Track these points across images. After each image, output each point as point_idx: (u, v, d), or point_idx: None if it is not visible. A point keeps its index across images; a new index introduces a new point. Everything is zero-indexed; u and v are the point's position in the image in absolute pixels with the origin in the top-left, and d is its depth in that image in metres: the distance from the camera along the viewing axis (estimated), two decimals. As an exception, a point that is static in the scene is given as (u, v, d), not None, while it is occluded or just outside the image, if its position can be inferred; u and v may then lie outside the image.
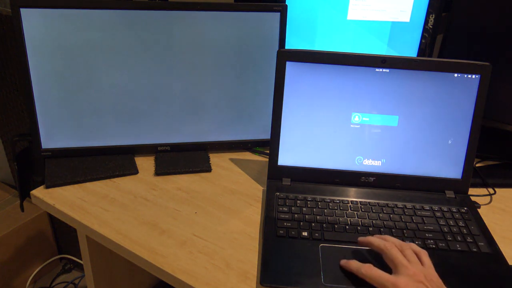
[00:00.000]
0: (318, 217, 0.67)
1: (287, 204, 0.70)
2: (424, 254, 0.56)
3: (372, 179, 0.75)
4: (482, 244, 0.64)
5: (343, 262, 0.58)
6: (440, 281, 0.53)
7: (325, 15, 0.88)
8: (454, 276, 0.58)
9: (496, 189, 0.80)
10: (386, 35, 0.88)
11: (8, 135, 1.41)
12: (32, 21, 0.72)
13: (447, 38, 0.86)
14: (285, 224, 0.66)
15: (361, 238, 0.60)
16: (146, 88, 0.80)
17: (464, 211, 0.70)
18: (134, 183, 0.77)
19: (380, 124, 0.73)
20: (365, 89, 0.72)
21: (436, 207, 0.71)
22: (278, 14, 0.80)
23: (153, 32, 0.77)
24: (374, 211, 0.69)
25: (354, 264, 0.56)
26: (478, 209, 0.72)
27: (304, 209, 0.69)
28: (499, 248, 0.63)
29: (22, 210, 0.84)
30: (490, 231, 0.67)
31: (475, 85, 0.71)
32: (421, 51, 0.89)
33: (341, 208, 0.70)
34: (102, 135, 0.81)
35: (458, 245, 0.63)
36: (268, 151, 0.82)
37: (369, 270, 0.54)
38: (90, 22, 0.74)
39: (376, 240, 0.58)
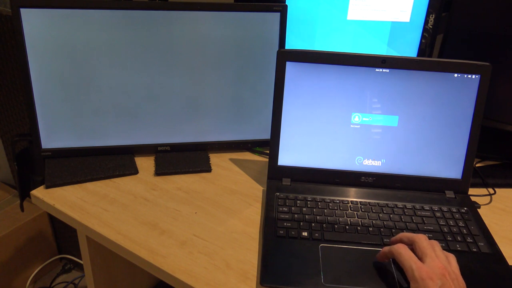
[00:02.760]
0: (318, 217, 0.67)
1: (287, 204, 0.70)
2: (452, 258, 0.56)
3: (372, 179, 0.75)
4: (482, 244, 0.64)
5: (378, 256, 0.59)
6: (464, 284, 0.52)
7: (325, 15, 0.88)
8: (454, 276, 0.57)
9: (496, 189, 0.80)
10: (386, 35, 0.88)
11: (8, 135, 1.41)
12: (32, 21, 0.72)
13: (447, 38, 0.86)
14: (285, 224, 0.66)
15: (393, 238, 0.61)
16: (146, 88, 0.80)
17: (464, 211, 0.70)
18: (134, 183, 0.77)
19: (380, 124, 0.73)
20: (365, 89, 0.72)
21: (436, 207, 0.71)
22: (278, 14, 0.80)
23: (153, 32, 0.77)
24: (374, 211, 0.69)
25: (385, 248, 0.58)
26: (478, 209, 0.72)
27: (304, 209, 0.69)
28: (499, 248, 0.63)
29: (22, 210, 0.84)
30: (490, 231, 0.67)
31: (475, 85, 0.71)
32: (421, 51, 0.89)
33: (341, 208, 0.70)
34: (102, 135, 0.81)
35: (458, 245, 0.63)
36: (268, 151, 0.82)
37: (401, 248, 0.55)
38: (90, 22, 0.74)
39: (408, 234, 0.59)
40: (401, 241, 0.59)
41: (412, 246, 0.56)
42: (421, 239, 0.56)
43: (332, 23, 0.88)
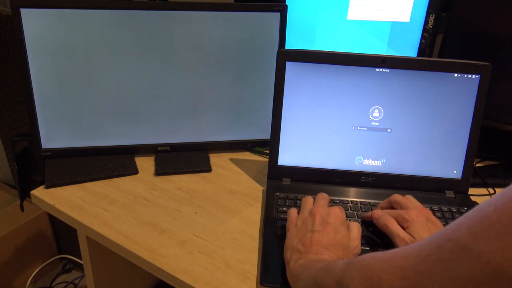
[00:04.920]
0: (318, 217, 0.67)
1: (287, 204, 0.70)
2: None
3: (372, 179, 0.75)
4: (482, 244, 0.64)
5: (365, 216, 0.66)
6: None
7: (325, 15, 0.88)
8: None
9: (496, 189, 0.80)
10: (386, 35, 0.88)
11: (8, 135, 1.41)
12: (32, 21, 0.72)
13: (447, 38, 0.86)
14: (285, 224, 0.66)
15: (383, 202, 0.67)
16: (146, 88, 0.80)
17: (464, 211, 0.70)
18: (134, 183, 0.77)
19: (380, 124, 0.73)
20: (365, 89, 0.72)
21: (436, 207, 0.71)
22: (278, 14, 0.80)
23: (153, 32, 0.77)
24: (374, 211, 0.69)
25: (374, 214, 0.63)
26: (478, 209, 0.72)
27: (304, 209, 0.69)
28: (499, 248, 0.63)
29: (22, 210, 0.84)
30: (490, 231, 0.67)
31: (475, 85, 0.71)
32: (421, 51, 0.89)
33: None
34: (102, 135, 0.81)
35: (458, 245, 0.63)
36: (268, 151, 0.82)
37: (388, 221, 0.60)
38: (90, 22, 0.74)
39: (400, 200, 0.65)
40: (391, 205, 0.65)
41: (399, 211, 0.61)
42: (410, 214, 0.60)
43: (332, 23, 0.88)
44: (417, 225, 0.57)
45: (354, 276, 0.38)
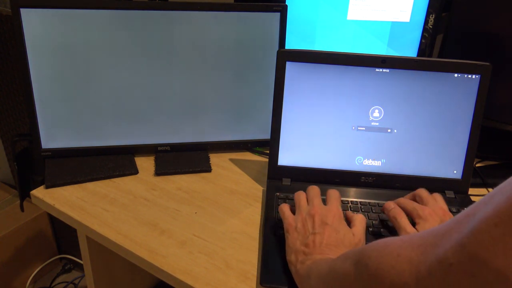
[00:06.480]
0: (318, 217, 0.67)
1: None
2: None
3: (372, 179, 0.75)
4: (482, 244, 0.64)
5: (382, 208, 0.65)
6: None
7: (325, 15, 0.88)
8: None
9: (496, 189, 0.80)
10: (386, 35, 0.88)
11: (8, 135, 1.41)
12: (32, 21, 0.72)
13: (447, 38, 0.86)
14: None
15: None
16: (146, 88, 0.80)
17: (464, 211, 0.70)
18: (134, 183, 0.77)
19: (380, 124, 0.73)
20: (365, 89, 0.72)
21: (436, 207, 0.71)
22: (278, 14, 0.80)
23: (153, 32, 0.77)
24: (374, 211, 0.69)
25: (387, 206, 0.63)
26: (478, 209, 0.72)
27: (304, 209, 0.69)
28: (499, 248, 0.63)
29: (22, 210, 0.84)
30: (490, 231, 0.67)
31: (475, 85, 0.71)
32: (421, 51, 0.89)
33: (341, 208, 0.69)
34: (102, 135, 0.81)
35: (458, 245, 0.63)
36: (268, 151, 0.82)
37: (398, 214, 0.61)
38: (90, 22, 0.74)
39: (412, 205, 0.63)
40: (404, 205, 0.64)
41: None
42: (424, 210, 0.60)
43: (332, 23, 0.88)
44: (427, 224, 0.57)
45: (371, 254, 0.39)
